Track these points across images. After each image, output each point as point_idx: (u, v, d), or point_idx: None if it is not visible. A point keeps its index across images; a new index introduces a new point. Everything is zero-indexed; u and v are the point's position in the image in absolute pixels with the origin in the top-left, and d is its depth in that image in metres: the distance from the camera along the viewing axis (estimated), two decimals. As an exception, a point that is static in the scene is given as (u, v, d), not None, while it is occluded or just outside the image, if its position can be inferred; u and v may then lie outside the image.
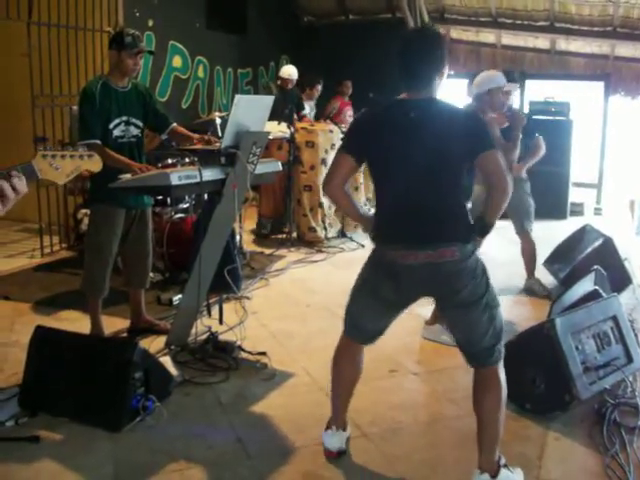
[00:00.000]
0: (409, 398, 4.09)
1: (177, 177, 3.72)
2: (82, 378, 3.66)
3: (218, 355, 4.46)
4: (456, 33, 11.80)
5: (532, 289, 5.92)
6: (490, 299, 2.99)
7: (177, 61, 9.51)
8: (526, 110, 9.78)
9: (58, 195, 7.09)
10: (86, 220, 6.11)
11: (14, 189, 1.90)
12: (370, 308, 3.17)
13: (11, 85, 7.44)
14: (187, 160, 4.20)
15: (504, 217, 5.45)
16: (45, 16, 7.03)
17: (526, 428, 3.67)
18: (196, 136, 4.56)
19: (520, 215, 5.72)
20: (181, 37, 9.49)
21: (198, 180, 3.80)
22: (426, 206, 2.95)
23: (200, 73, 10.06)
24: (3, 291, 5.82)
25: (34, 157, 2.02)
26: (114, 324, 4.99)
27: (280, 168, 4.69)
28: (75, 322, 4.94)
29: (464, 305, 2.95)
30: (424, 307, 5.02)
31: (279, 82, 8.93)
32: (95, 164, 2.15)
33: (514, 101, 5.84)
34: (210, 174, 3.93)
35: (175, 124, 4.73)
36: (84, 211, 6.54)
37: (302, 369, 4.39)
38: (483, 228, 3.02)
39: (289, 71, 8.83)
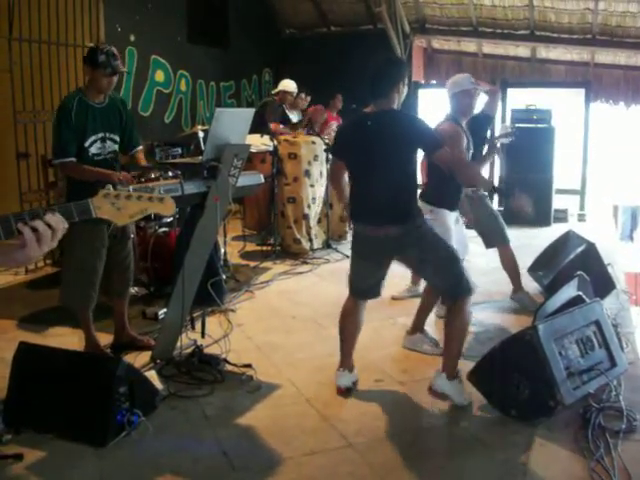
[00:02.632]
0: (395, 407, 4.08)
1: (158, 191, 3.72)
2: (66, 394, 3.64)
3: (203, 368, 4.44)
4: (437, 43, 11.89)
5: (522, 303, 5.82)
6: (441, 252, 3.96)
7: (159, 75, 9.53)
8: (508, 118, 9.86)
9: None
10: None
11: (49, 227, 1.78)
12: (363, 271, 4.11)
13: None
14: (170, 174, 4.18)
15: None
16: (26, 32, 7.03)
17: (511, 434, 3.67)
18: (144, 165, 4.57)
19: (487, 233, 5.73)
20: (163, 51, 9.52)
21: (180, 193, 3.80)
22: (382, 193, 3.86)
23: (183, 87, 10.08)
24: (-14, 309, 5.80)
25: (97, 194, 1.90)
26: (99, 339, 4.96)
27: (262, 180, 4.71)
28: (60, 338, 4.92)
29: (423, 261, 3.97)
30: (408, 316, 5.04)
31: (276, 95, 8.97)
32: (167, 209, 1.98)
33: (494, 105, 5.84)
34: (192, 187, 3.94)
35: (140, 148, 4.71)
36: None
37: (288, 381, 4.39)
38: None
39: (292, 85, 8.92)
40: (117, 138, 4.49)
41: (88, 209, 1.88)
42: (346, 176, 4.29)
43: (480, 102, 5.40)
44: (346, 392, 4.19)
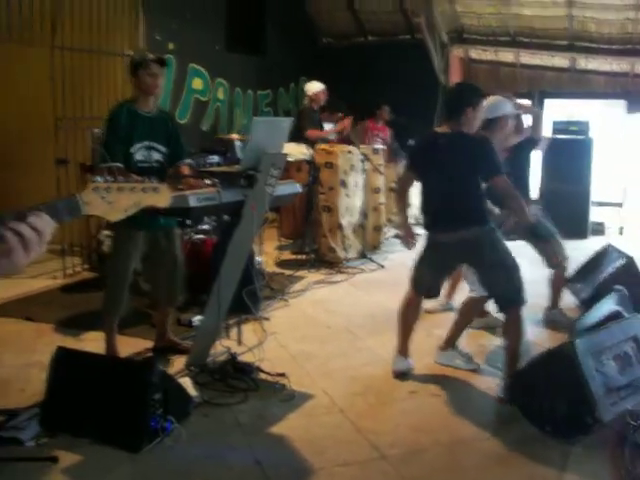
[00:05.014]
0: (429, 420, 4.05)
1: (196, 199, 3.75)
2: (102, 399, 3.67)
3: (237, 376, 4.45)
4: (475, 53, 11.82)
5: (555, 320, 5.70)
6: (506, 261, 4.26)
7: (197, 83, 9.61)
8: (548, 130, 9.77)
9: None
10: (107, 242, 6.16)
11: (34, 229, 1.57)
12: (430, 274, 4.52)
13: (35, 108, 7.53)
14: (207, 182, 4.20)
15: (522, 238, 5.46)
16: (68, 40, 7.13)
17: (546, 450, 3.63)
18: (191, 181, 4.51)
19: (546, 251, 5.62)
20: (201, 60, 9.59)
21: (217, 202, 3.82)
22: (451, 204, 4.26)
23: (220, 95, 10.15)
24: (26, 312, 5.86)
25: (84, 189, 1.70)
26: (136, 344, 5.01)
27: (299, 190, 4.71)
28: (96, 343, 4.94)
29: (487, 266, 4.28)
30: (443, 329, 5.01)
31: (308, 101, 8.78)
32: (162, 198, 1.78)
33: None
34: (229, 196, 3.95)
35: (188, 161, 4.72)
36: (106, 233, 6.58)
37: (321, 390, 4.38)
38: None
39: (318, 84, 8.72)
40: (163, 149, 4.50)
41: (77, 206, 1.67)
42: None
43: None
44: (401, 376, 4.58)
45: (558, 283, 5.72)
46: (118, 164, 4.20)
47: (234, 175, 4.09)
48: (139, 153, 4.39)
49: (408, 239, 4.67)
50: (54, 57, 7.06)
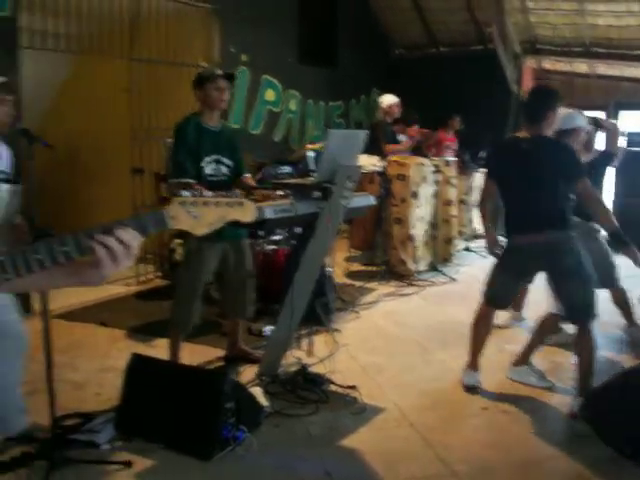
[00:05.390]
0: (500, 437, 3.99)
1: (272, 211, 3.78)
2: (175, 406, 3.73)
3: (308, 387, 4.46)
4: (549, 64, 11.64)
5: (634, 337, 5.54)
6: (582, 271, 4.20)
7: (270, 95, 9.71)
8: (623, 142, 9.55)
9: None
10: (179, 250, 6.26)
11: (121, 242, 1.62)
12: (505, 282, 4.49)
13: (112, 119, 7.72)
14: (281, 193, 4.24)
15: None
16: (144, 52, 7.30)
17: (621, 471, 3.53)
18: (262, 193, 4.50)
19: (603, 269, 5.38)
20: (274, 71, 9.70)
21: (292, 214, 3.85)
22: (535, 207, 4.26)
23: (292, 106, 10.22)
24: (100, 317, 6.02)
25: (170, 203, 1.68)
26: (206, 353, 5.09)
27: (373, 202, 4.72)
28: (166, 350, 5.01)
29: (563, 273, 4.22)
30: (514, 344, 4.95)
31: (382, 113, 8.74)
32: (247, 213, 1.75)
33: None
34: (304, 208, 3.98)
35: (248, 175, 4.75)
36: (178, 241, 6.68)
37: (392, 404, 4.36)
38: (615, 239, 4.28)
39: (393, 97, 8.70)
40: (230, 163, 4.55)
41: (163, 220, 1.67)
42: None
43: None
44: (471, 390, 4.55)
45: (618, 302, 5.51)
46: (189, 180, 4.26)
47: (309, 187, 4.10)
48: (209, 167, 4.43)
49: (492, 247, 4.64)
50: (132, 69, 7.23)
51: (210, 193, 1.73)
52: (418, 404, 4.37)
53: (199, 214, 1.70)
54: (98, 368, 4.87)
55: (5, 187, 3.44)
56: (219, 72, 4.49)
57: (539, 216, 4.28)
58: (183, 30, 7.81)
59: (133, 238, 1.64)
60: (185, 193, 1.70)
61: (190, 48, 7.92)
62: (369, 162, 7.22)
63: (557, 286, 4.34)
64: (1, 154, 3.61)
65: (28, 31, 6.43)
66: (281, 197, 4.18)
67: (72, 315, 6.09)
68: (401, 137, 8.84)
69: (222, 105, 4.53)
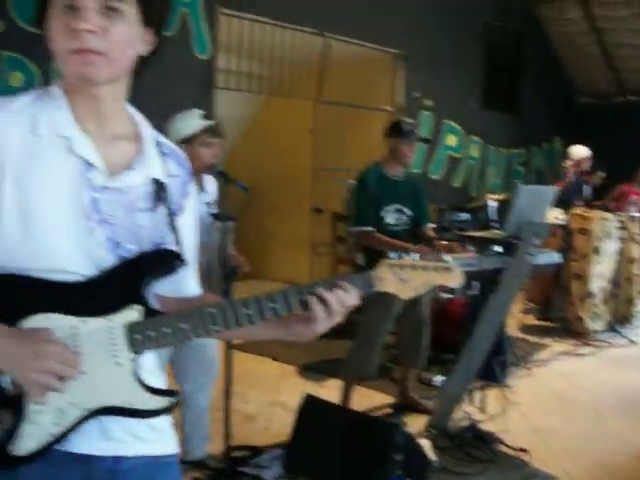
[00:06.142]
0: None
1: (457, 264, 3.73)
2: (344, 452, 3.72)
3: (477, 445, 4.33)
4: None
5: None
6: None
7: (451, 140, 9.68)
8: None
9: (329, 263, 7.39)
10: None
11: (340, 301, 1.56)
12: None
13: (295, 158, 7.96)
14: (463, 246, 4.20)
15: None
16: (330, 94, 7.49)
17: None
18: (442, 244, 4.43)
19: None
20: (456, 116, 9.67)
21: (477, 268, 3.79)
22: None
23: (473, 152, 10.13)
24: (272, 352, 6.13)
25: (379, 265, 1.65)
26: (374, 398, 5.06)
27: (559, 260, 4.58)
28: (336, 391, 5.01)
29: None
30: None
31: (570, 165, 8.50)
32: (454, 279, 1.71)
33: None
34: (488, 262, 3.92)
35: (432, 225, 4.73)
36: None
37: (564, 472, 4.13)
38: None
39: (585, 150, 8.50)
40: (410, 213, 4.57)
41: (370, 282, 1.63)
42: None
43: None
44: None
45: None
46: (370, 228, 4.30)
47: (494, 241, 4.04)
48: (390, 216, 4.47)
49: None
50: (317, 110, 7.44)
51: (417, 256, 1.68)
52: (592, 476, 4.14)
53: (407, 278, 1.66)
54: (268, 402, 4.97)
55: (218, 225, 3.58)
56: (417, 132, 4.53)
57: None
58: (369, 74, 7.97)
59: (351, 299, 1.58)
60: (392, 255, 1.67)
61: (375, 91, 8.07)
62: (552, 215, 7.03)
63: None
64: (206, 187, 3.77)
65: (224, 72, 6.77)
66: (463, 249, 4.14)
67: (244, 346, 6.26)
68: (586, 188, 8.56)
69: (408, 161, 4.58)
